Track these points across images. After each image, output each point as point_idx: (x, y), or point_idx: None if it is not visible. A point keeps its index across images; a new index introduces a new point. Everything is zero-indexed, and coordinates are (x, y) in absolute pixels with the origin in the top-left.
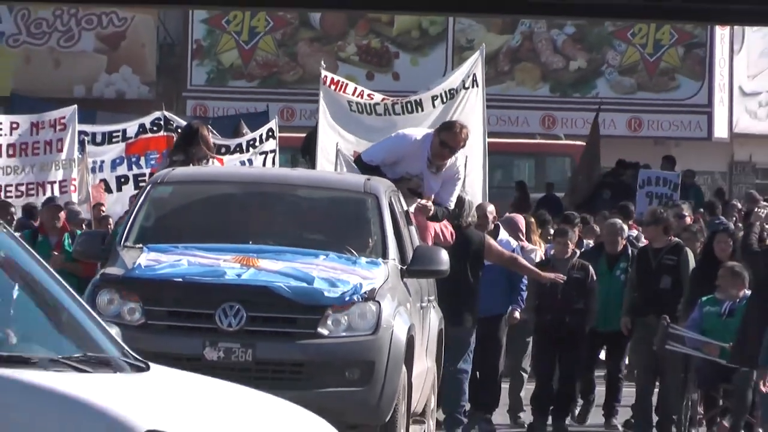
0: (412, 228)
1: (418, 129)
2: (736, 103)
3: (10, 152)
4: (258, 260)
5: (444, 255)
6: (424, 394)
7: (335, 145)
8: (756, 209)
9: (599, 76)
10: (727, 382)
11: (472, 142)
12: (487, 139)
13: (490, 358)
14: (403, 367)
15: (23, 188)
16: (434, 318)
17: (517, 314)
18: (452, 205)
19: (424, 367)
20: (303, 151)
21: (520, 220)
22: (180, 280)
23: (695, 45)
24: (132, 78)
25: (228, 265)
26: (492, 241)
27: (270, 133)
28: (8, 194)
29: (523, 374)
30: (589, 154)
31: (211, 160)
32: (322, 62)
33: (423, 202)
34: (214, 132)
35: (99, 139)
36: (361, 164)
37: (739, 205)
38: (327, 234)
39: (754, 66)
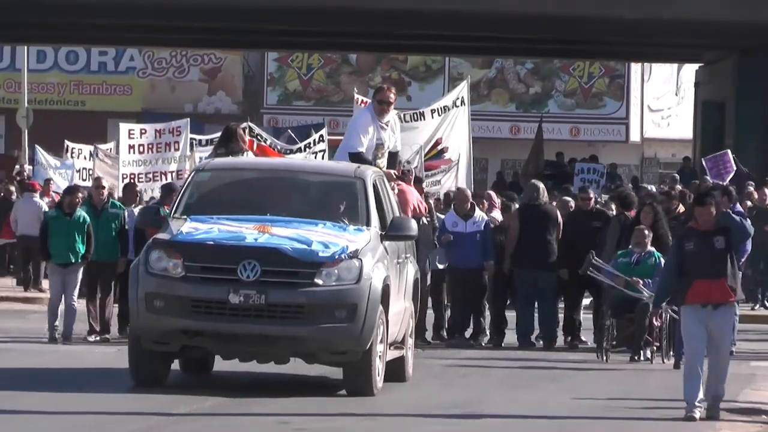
0: (394, 202)
1: (358, 111)
2: (646, 117)
3: (141, 150)
4: (272, 228)
5: (413, 224)
6: (403, 326)
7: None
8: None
9: (550, 98)
10: (631, 312)
11: (460, 144)
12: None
13: (478, 298)
14: (380, 308)
15: (150, 175)
16: (411, 270)
17: (492, 266)
18: (399, 147)
19: (402, 307)
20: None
21: (493, 196)
22: (212, 243)
23: (617, 76)
24: (225, 99)
25: (248, 231)
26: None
27: (321, 138)
28: (140, 179)
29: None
30: (536, 150)
31: (245, 152)
32: (355, 89)
33: (392, 172)
34: (294, 136)
35: (204, 142)
36: (351, 156)
37: (649, 188)
38: (325, 208)
39: (658, 90)
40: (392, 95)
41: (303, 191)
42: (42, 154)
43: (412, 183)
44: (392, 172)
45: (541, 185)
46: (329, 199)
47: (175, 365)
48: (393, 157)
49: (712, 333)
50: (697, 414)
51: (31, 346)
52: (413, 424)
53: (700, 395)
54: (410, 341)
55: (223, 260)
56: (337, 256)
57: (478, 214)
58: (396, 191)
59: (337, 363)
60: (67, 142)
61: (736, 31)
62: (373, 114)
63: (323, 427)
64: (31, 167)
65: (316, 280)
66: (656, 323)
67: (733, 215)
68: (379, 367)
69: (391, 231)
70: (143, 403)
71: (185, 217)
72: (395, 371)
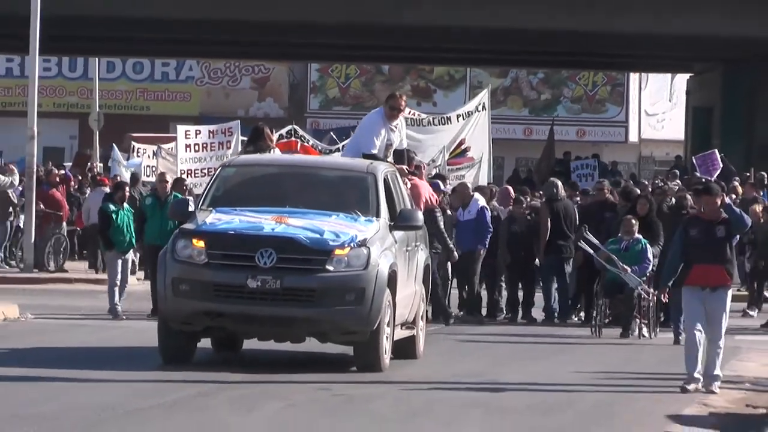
0: (405, 195)
1: (370, 114)
2: (643, 120)
3: (196, 149)
4: (288, 219)
5: (419, 215)
6: (413, 308)
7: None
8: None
9: (559, 104)
10: (621, 293)
11: (482, 144)
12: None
13: (471, 278)
14: (387, 291)
15: (205, 171)
16: (421, 257)
17: (482, 251)
18: (405, 144)
19: (411, 290)
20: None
21: (511, 191)
22: (232, 232)
23: (618, 84)
24: (273, 105)
25: (266, 222)
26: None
27: None
28: (195, 175)
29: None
30: (548, 150)
31: (272, 150)
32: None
33: (403, 167)
34: (335, 137)
35: None
36: (365, 157)
37: (646, 182)
38: (339, 201)
39: (654, 97)
40: (403, 103)
41: (319, 185)
42: (118, 153)
43: (423, 178)
44: (404, 167)
45: (559, 182)
46: (343, 192)
47: (208, 344)
48: (401, 155)
49: (708, 313)
50: (692, 387)
51: (100, 322)
52: (438, 390)
53: (699, 366)
54: (421, 322)
55: (242, 248)
56: (346, 245)
57: (473, 203)
58: (409, 186)
59: (348, 342)
60: (133, 143)
61: (722, 45)
62: (384, 117)
63: (360, 393)
64: (101, 164)
65: (327, 267)
66: (644, 302)
67: (734, 207)
68: (386, 346)
69: (399, 221)
70: (191, 374)
71: (211, 209)
72: (406, 349)
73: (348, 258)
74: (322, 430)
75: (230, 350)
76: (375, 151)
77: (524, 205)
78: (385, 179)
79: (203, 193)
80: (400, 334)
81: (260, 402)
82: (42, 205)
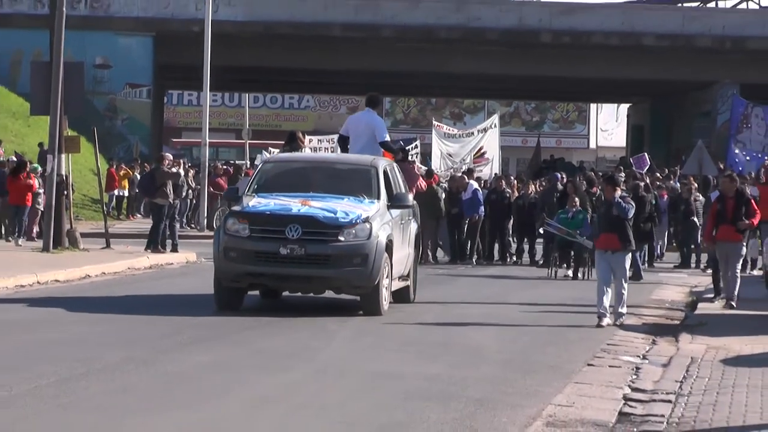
0: (401, 182)
1: (371, 115)
2: (599, 134)
3: (311, 151)
4: (311, 202)
5: (410, 197)
6: (407, 266)
7: (439, 150)
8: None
9: (545, 123)
10: (571, 248)
11: (494, 149)
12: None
13: (472, 234)
14: (385, 255)
15: None
16: (413, 227)
17: (476, 217)
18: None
19: (405, 252)
20: (424, 155)
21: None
22: (268, 212)
23: (582, 111)
24: None
25: (294, 204)
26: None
27: (415, 147)
28: None
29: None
30: (536, 154)
31: (303, 149)
32: (433, 119)
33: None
34: (402, 144)
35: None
36: (382, 143)
37: (600, 173)
38: (350, 187)
39: (606, 118)
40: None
41: (335, 175)
42: (268, 154)
43: (415, 169)
44: (391, 156)
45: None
46: (352, 181)
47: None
48: (401, 150)
49: (613, 269)
50: (605, 321)
51: None
52: (459, 306)
53: (606, 305)
54: (413, 275)
55: (275, 224)
56: (354, 221)
57: (469, 188)
58: (401, 172)
59: (356, 293)
60: (270, 149)
61: (650, 86)
62: (376, 116)
63: (413, 310)
64: (249, 163)
65: (339, 238)
66: (584, 255)
67: (619, 201)
68: (386, 295)
69: (394, 202)
70: (285, 307)
71: (254, 194)
72: (402, 295)
73: (355, 231)
74: (393, 330)
75: (273, 298)
76: (387, 139)
77: (531, 188)
78: (384, 170)
79: (248, 183)
80: (397, 285)
81: (350, 317)
82: (211, 188)
